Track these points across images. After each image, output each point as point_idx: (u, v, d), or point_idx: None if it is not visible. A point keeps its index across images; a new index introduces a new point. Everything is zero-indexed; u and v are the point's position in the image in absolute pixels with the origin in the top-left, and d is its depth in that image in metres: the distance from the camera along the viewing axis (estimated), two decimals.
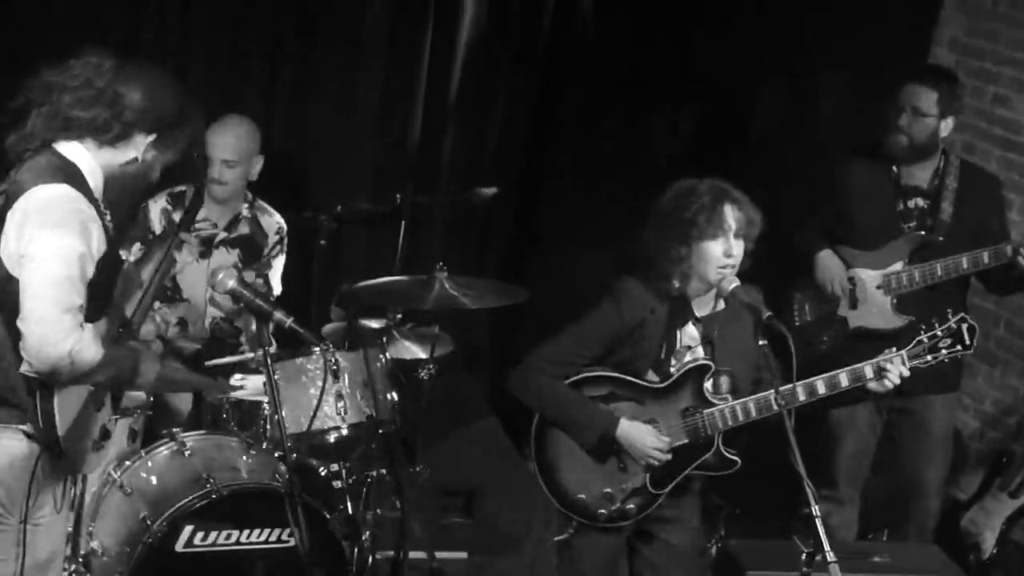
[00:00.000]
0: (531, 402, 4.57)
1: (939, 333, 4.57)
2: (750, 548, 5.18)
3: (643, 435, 4.45)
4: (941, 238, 5.53)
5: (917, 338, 4.58)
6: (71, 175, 3.73)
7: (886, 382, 4.50)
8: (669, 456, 4.48)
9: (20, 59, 5.29)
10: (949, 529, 6.06)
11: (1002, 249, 5.38)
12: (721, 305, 4.54)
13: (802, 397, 4.36)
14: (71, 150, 3.77)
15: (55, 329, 3.63)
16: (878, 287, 5.54)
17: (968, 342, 4.60)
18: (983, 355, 6.72)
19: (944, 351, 4.58)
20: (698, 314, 4.53)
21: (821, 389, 4.45)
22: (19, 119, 3.79)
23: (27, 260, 3.66)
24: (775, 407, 4.32)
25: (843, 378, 4.49)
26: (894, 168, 5.60)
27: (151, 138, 3.83)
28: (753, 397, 4.47)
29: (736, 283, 4.39)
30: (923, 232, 5.54)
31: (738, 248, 4.40)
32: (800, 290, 5.76)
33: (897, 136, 5.50)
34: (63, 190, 3.69)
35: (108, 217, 3.84)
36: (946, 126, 5.53)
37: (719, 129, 7.28)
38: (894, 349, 4.56)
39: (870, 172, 5.64)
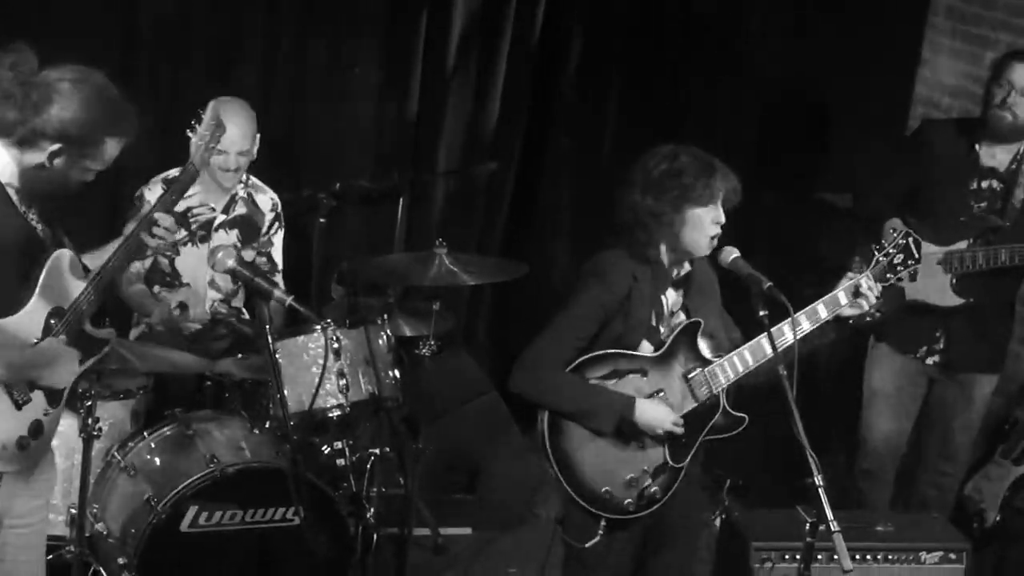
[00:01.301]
0: (542, 400, 4.42)
1: (890, 250, 4.52)
2: (754, 519, 5.19)
3: (660, 411, 4.40)
4: (1008, 224, 5.50)
5: (874, 258, 4.53)
6: None
7: (861, 301, 4.47)
8: (683, 428, 4.45)
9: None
10: (953, 496, 6.07)
11: None
12: (687, 268, 4.52)
13: (789, 334, 4.28)
14: None
15: None
16: (938, 263, 5.50)
17: (917, 255, 4.55)
18: None
19: (900, 267, 4.54)
20: (673, 277, 4.51)
21: (805, 323, 4.41)
22: None
23: None
24: (769, 350, 4.30)
25: (821, 308, 4.45)
26: (976, 146, 5.56)
27: (56, 147, 3.70)
28: (746, 345, 4.45)
29: (736, 253, 4.37)
30: (992, 215, 5.52)
31: (723, 216, 4.40)
32: (855, 265, 5.71)
33: (1002, 113, 5.42)
34: None
35: (29, 210, 3.77)
36: None
37: (723, 103, 7.28)
38: (849, 275, 4.54)
39: (950, 145, 5.59)
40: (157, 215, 3.98)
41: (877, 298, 4.48)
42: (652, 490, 4.48)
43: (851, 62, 6.93)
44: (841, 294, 4.47)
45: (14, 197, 3.75)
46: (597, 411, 4.40)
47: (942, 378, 5.78)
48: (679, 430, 4.43)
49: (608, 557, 4.55)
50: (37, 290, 3.80)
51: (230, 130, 5.44)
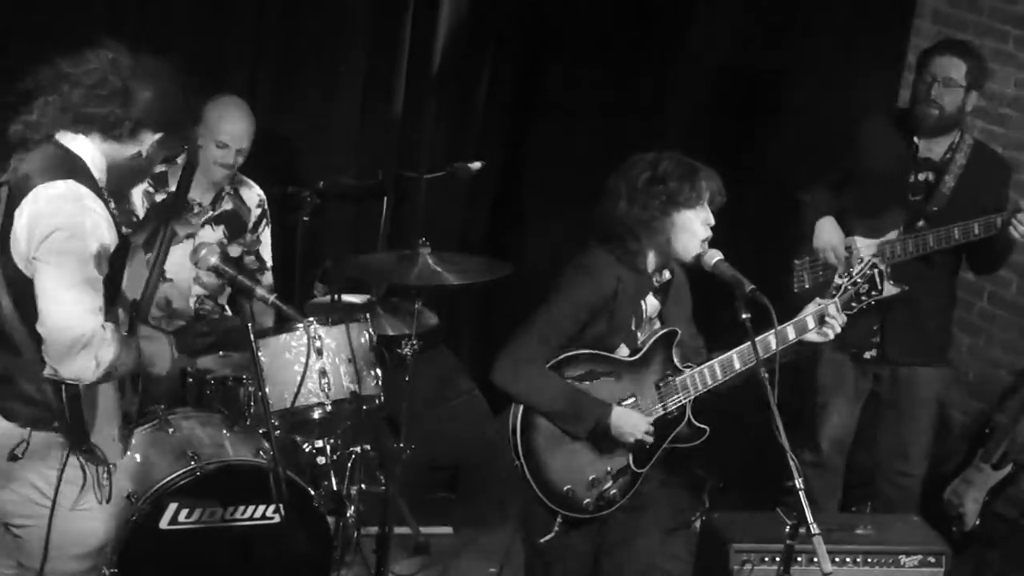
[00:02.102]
0: (521, 397, 4.42)
1: (858, 280, 4.59)
2: (734, 521, 5.19)
3: (634, 420, 4.41)
4: (936, 208, 5.54)
5: (841, 285, 4.59)
6: (76, 169, 3.68)
7: (826, 330, 4.50)
8: (651, 438, 4.46)
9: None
10: (932, 501, 6.09)
11: (992, 221, 5.41)
12: (667, 275, 4.53)
13: (761, 353, 4.29)
14: (76, 143, 3.72)
15: (77, 335, 3.59)
16: (873, 255, 5.54)
17: (880, 287, 4.62)
18: (966, 327, 6.74)
19: (864, 297, 4.60)
20: (655, 284, 4.52)
21: (772, 344, 4.42)
22: (25, 104, 3.73)
23: (41, 263, 3.61)
24: (737, 365, 4.37)
25: (789, 331, 4.47)
26: (915, 140, 5.61)
27: (158, 136, 3.78)
28: (717, 359, 4.46)
29: (719, 256, 4.37)
30: (923, 204, 5.55)
31: (712, 218, 4.41)
32: (799, 257, 5.76)
33: (928, 108, 5.49)
34: (71, 188, 3.63)
35: (112, 206, 3.79)
36: (971, 100, 5.55)
37: (708, 105, 7.28)
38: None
39: (890, 139, 5.66)
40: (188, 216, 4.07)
41: (841, 326, 4.52)
42: (612, 492, 4.50)
43: (837, 65, 6.94)
44: (809, 319, 4.51)
45: (105, 194, 3.78)
46: (576, 415, 4.41)
47: (884, 373, 5.81)
48: (650, 439, 4.44)
49: (565, 553, 4.57)
50: (123, 283, 3.90)
51: (233, 127, 5.47)
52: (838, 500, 6.07)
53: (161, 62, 3.82)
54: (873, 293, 4.61)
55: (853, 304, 4.59)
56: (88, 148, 3.72)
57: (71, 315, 3.58)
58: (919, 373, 5.80)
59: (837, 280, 4.64)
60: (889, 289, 5.48)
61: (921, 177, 5.63)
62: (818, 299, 4.60)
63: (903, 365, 5.77)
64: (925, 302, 5.65)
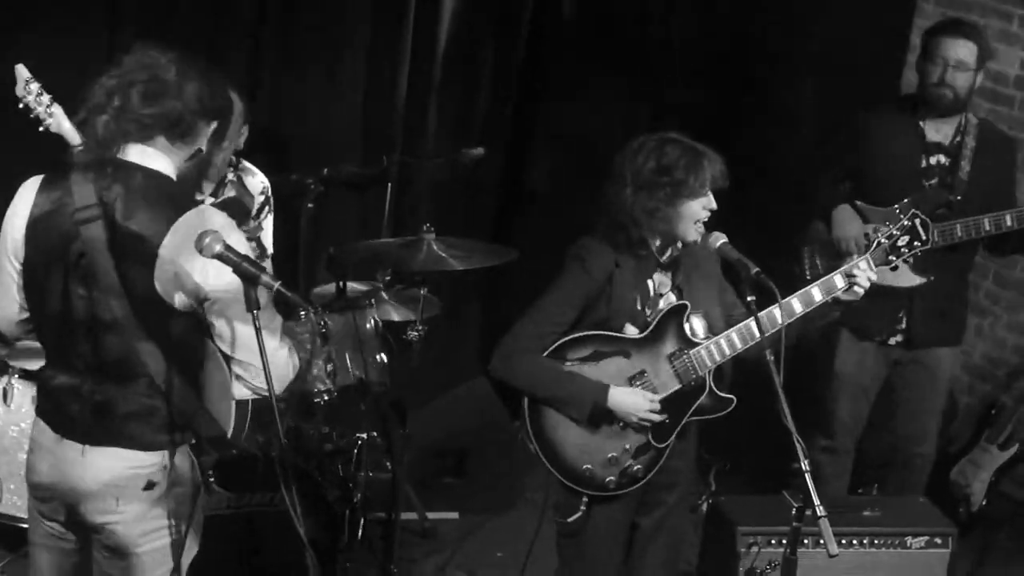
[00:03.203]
0: (518, 385, 4.47)
1: (895, 232, 4.51)
2: (741, 503, 5.20)
3: (634, 399, 4.41)
4: (959, 197, 5.52)
5: (876, 240, 4.53)
6: (182, 194, 3.66)
7: (856, 288, 4.43)
8: (662, 416, 4.46)
9: None
10: (939, 481, 6.09)
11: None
12: (679, 249, 4.52)
13: (780, 319, 4.26)
14: (152, 160, 3.62)
15: (280, 356, 3.69)
16: (875, 230, 5.51)
17: (924, 237, 4.54)
18: (972, 307, 6.71)
19: (904, 249, 4.54)
20: (662, 260, 4.51)
21: (797, 307, 4.40)
22: (81, 130, 3.68)
23: (218, 294, 3.60)
24: (757, 333, 4.30)
25: (816, 292, 4.44)
26: (920, 123, 5.59)
27: (213, 126, 3.71)
28: (734, 328, 4.45)
29: (723, 239, 4.37)
30: (942, 190, 5.53)
31: (713, 202, 4.40)
32: (809, 243, 5.74)
33: (942, 90, 5.47)
34: (201, 216, 3.59)
35: None
36: (979, 80, 5.55)
37: (708, 88, 7.27)
38: (853, 257, 4.54)
39: (895, 126, 5.64)
40: None
41: (871, 282, 4.46)
42: (635, 468, 4.50)
43: (840, 48, 6.92)
44: (837, 277, 4.46)
45: None
46: (570, 399, 4.42)
47: (905, 358, 5.80)
48: (656, 417, 4.43)
49: (597, 531, 4.57)
50: None
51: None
52: (847, 483, 6.06)
53: (192, 54, 3.75)
54: (915, 244, 4.53)
55: (891, 258, 4.52)
56: (164, 162, 3.64)
57: (269, 341, 3.60)
58: (940, 354, 5.81)
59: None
60: (913, 278, 5.49)
61: (933, 161, 5.61)
62: (850, 257, 4.58)
63: (924, 347, 5.76)
64: (947, 285, 5.65)
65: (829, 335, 5.77)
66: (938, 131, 5.61)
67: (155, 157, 3.63)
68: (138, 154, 3.61)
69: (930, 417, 5.92)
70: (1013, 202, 5.52)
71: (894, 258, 4.53)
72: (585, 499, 4.51)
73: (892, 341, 5.75)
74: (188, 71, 3.65)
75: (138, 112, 3.59)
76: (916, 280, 5.54)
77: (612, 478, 4.48)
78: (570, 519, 4.52)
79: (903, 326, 5.71)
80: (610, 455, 4.47)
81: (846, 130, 5.78)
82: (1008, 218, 5.40)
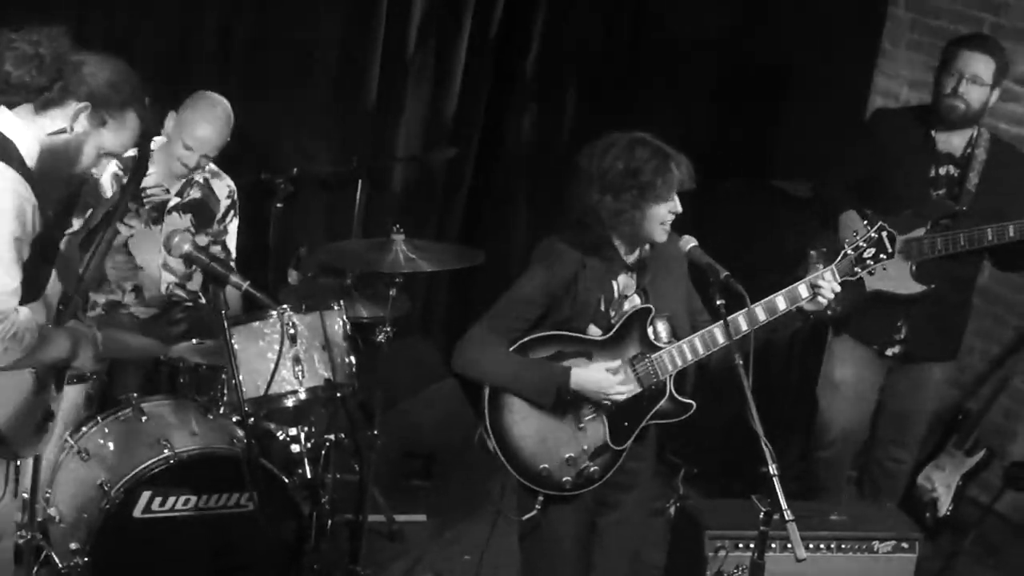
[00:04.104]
0: (479, 375, 4.45)
1: (861, 244, 4.48)
2: (709, 507, 5.20)
3: (598, 376, 4.39)
4: (964, 208, 5.52)
5: (842, 251, 4.51)
6: (6, 153, 3.62)
7: (819, 299, 4.43)
8: (629, 389, 4.44)
9: None
10: (905, 487, 6.11)
11: None
12: (647, 251, 4.51)
13: (744, 326, 4.29)
14: (6, 122, 3.65)
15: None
16: (898, 251, 5.51)
17: (890, 250, 4.51)
18: None
19: (870, 261, 4.50)
20: (628, 262, 4.51)
21: (761, 315, 4.39)
22: None
23: None
24: (720, 340, 4.33)
25: (780, 301, 4.41)
26: (931, 133, 5.59)
27: (83, 106, 3.68)
28: (698, 333, 4.44)
29: (693, 243, 4.37)
30: (948, 201, 5.54)
31: (679, 206, 4.39)
32: (815, 248, 5.73)
33: (954, 102, 5.46)
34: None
35: (41, 196, 3.71)
36: (994, 97, 5.53)
37: (685, 85, 7.29)
38: (820, 266, 4.53)
39: (906, 134, 5.63)
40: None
41: (835, 293, 4.46)
42: (591, 470, 4.50)
43: (810, 50, 6.95)
44: (802, 287, 4.45)
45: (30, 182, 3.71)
46: (534, 383, 4.40)
47: (897, 367, 5.81)
48: (622, 389, 4.41)
49: (554, 531, 4.56)
50: (52, 276, 3.82)
51: (204, 130, 5.43)
52: (842, 493, 6.06)
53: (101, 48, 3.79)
54: (881, 256, 4.50)
55: (856, 269, 4.50)
56: (19, 128, 3.65)
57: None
58: (932, 368, 5.82)
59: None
60: (914, 286, 5.50)
61: (942, 171, 5.59)
62: (814, 264, 4.57)
63: (919, 361, 5.77)
64: (949, 298, 5.65)
65: (828, 344, 5.80)
66: (949, 142, 5.59)
67: (14, 125, 3.63)
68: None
69: (913, 425, 5.93)
70: (1022, 216, 5.50)
71: (859, 269, 4.52)
72: (541, 498, 4.50)
73: (889, 352, 5.74)
74: (96, 58, 3.70)
75: (9, 75, 3.61)
76: (917, 288, 5.54)
77: (569, 478, 4.48)
78: (525, 517, 4.51)
79: (901, 336, 5.71)
80: (567, 456, 4.47)
81: (862, 138, 5.78)
82: (1011, 228, 5.39)
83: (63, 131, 3.69)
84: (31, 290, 3.69)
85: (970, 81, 5.44)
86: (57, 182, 3.80)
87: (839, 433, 5.89)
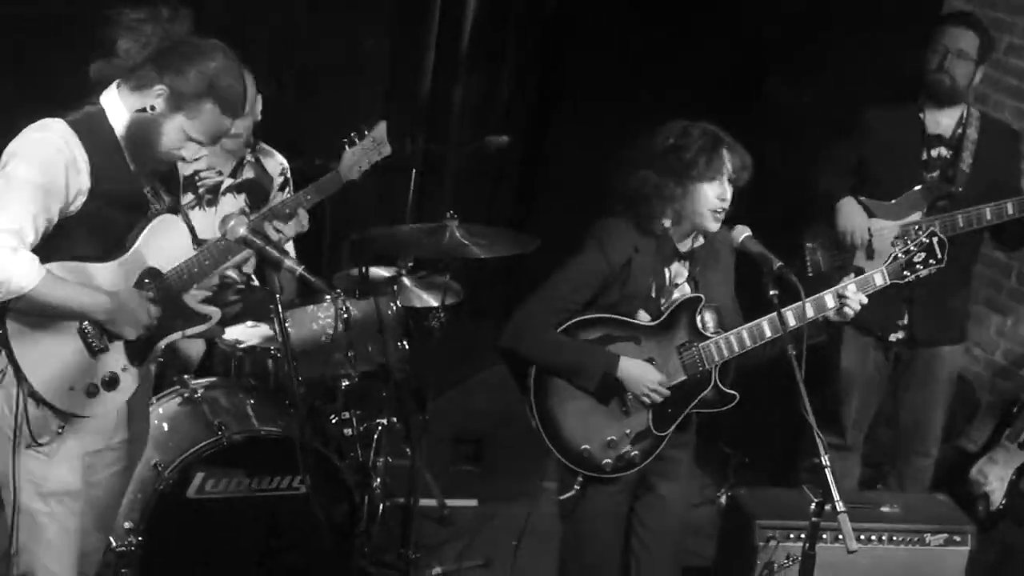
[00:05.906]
0: (527, 354, 4.49)
1: (912, 248, 4.53)
2: (759, 497, 5.19)
3: (644, 371, 4.43)
4: (960, 189, 5.51)
5: (891, 254, 4.54)
6: (90, 117, 3.88)
7: (846, 310, 4.45)
8: (668, 392, 4.45)
9: None
10: (959, 480, 6.07)
11: None
12: (700, 241, 4.51)
13: (793, 321, 4.31)
14: (108, 93, 3.94)
15: None
16: (896, 238, 5.50)
17: (940, 256, 4.56)
18: (995, 305, 6.71)
19: (919, 265, 4.54)
20: (681, 250, 4.51)
21: (809, 311, 4.38)
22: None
23: None
24: (768, 333, 4.36)
25: (808, 307, 4.41)
26: (921, 115, 5.59)
27: (160, 89, 3.89)
28: (745, 326, 4.45)
29: (747, 232, 4.36)
30: (943, 183, 5.52)
31: (730, 193, 4.38)
32: (812, 240, 5.73)
33: (940, 76, 5.50)
34: (50, 123, 3.83)
35: (139, 169, 3.97)
36: (979, 73, 5.55)
37: (733, 75, 7.25)
38: (852, 275, 4.55)
39: (897, 119, 5.64)
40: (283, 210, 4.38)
41: (860, 304, 4.46)
42: (632, 454, 4.51)
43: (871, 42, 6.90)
44: (828, 296, 4.46)
45: (126, 153, 3.95)
46: (580, 366, 4.43)
47: (906, 355, 5.79)
48: (662, 391, 4.42)
49: (593, 512, 4.59)
50: (135, 246, 4.01)
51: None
52: (855, 481, 6.05)
53: (220, 46, 3.98)
54: (931, 262, 4.54)
55: (905, 273, 4.53)
56: (114, 97, 3.94)
57: None
58: (942, 352, 5.78)
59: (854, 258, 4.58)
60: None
61: (934, 153, 5.60)
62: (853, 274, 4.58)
63: (928, 346, 5.75)
64: (950, 281, 5.61)
65: (833, 334, 5.77)
66: (939, 124, 5.61)
67: (111, 96, 3.95)
68: (104, 94, 3.96)
69: (932, 416, 5.89)
70: (1018, 193, 5.48)
71: (908, 273, 4.55)
72: (580, 479, 4.52)
73: (893, 338, 5.73)
74: (200, 47, 3.92)
75: (116, 47, 3.91)
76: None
77: (609, 461, 4.50)
78: (563, 497, 4.53)
79: (904, 322, 5.69)
80: (609, 438, 4.49)
81: (852, 128, 5.77)
82: (1010, 206, 5.39)
83: (144, 110, 3.92)
84: (104, 242, 3.94)
85: (956, 56, 5.49)
86: (146, 154, 3.99)
87: (849, 421, 5.88)
